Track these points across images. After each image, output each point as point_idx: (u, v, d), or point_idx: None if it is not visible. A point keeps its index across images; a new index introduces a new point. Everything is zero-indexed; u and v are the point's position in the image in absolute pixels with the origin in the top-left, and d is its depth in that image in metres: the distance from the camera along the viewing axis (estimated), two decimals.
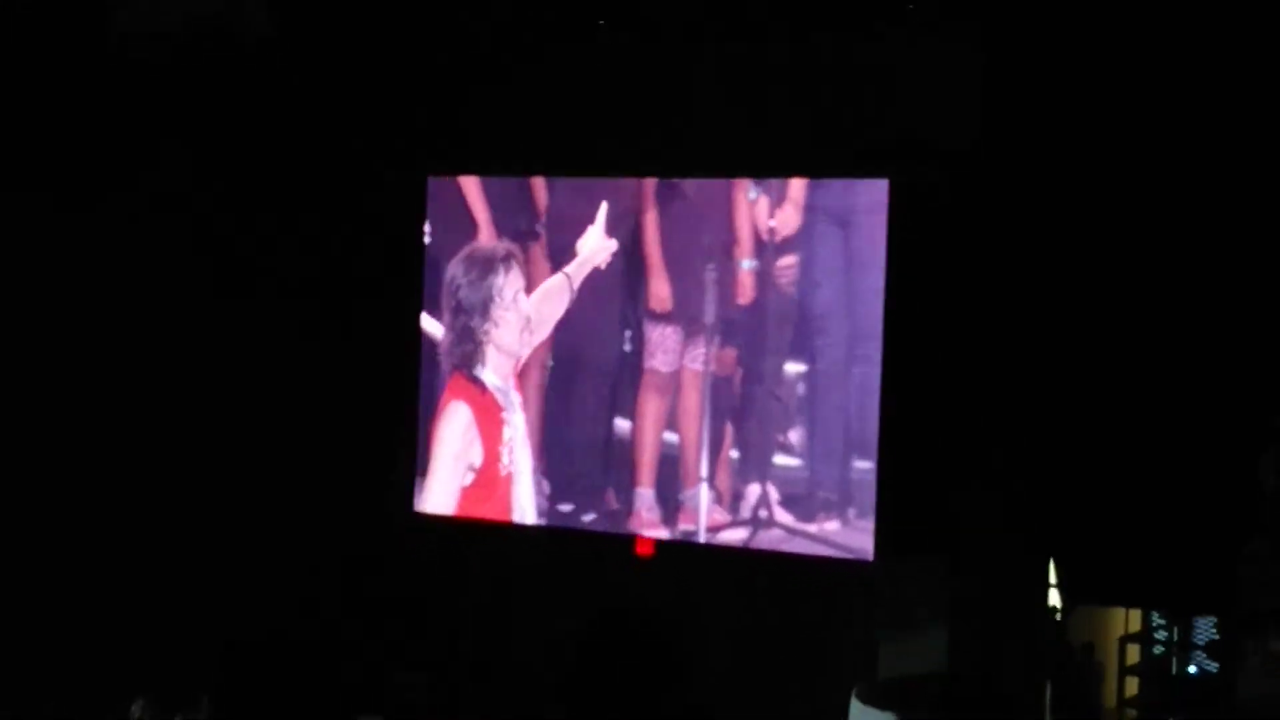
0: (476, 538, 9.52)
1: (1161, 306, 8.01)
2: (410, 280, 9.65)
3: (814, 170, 8.53)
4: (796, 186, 8.50)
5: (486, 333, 9.24)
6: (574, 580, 9.42)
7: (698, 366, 8.70)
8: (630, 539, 8.98)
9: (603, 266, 9.03)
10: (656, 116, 8.98)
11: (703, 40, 8.86)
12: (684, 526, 8.75)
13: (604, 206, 9.00)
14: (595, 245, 9.04)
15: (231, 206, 9.83)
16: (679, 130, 8.91)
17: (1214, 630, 9.51)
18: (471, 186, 9.39)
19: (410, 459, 9.59)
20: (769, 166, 8.61)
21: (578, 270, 9.09)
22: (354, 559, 9.79)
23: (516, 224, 9.23)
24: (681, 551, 8.88)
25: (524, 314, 9.18)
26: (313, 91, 9.74)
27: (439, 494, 9.38)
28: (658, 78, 9.03)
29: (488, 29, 9.25)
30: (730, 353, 8.63)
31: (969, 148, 8.25)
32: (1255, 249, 7.81)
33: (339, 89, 9.75)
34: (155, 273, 9.74)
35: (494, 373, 9.25)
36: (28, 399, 9.56)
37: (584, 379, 9.03)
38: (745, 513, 8.57)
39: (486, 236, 9.31)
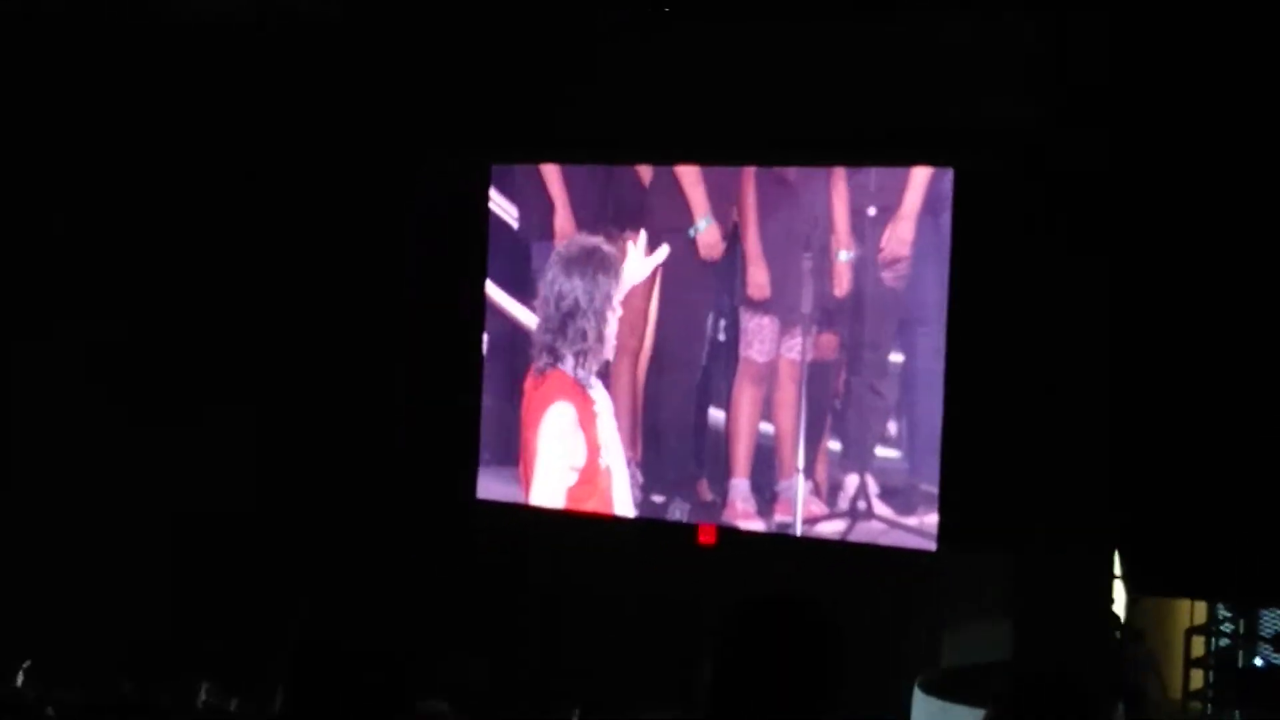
0: (548, 526, 9.45)
1: (1228, 295, 8.02)
2: (476, 269, 9.58)
3: (887, 158, 8.51)
4: (917, 175, 8.40)
5: (593, 332, 9.16)
6: (637, 569, 9.34)
7: (794, 356, 8.65)
8: (693, 528, 8.95)
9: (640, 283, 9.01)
10: (739, 101, 8.87)
11: (772, 21, 8.79)
12: (780, 518, 8.70)
13: (642, 235, 8.97)
14: (635, 269, 9.02)
15: (295, 192, 9.68)
16: (765, 115, 8.82)
17: None
18: (553, 175, 9.32)
19: (475, 446, 9.55)
20: (856, 154, 8.58)
21: (630, 304, 9.09)
22: (422, 546, 9.67)
23: (606, 214, 9.16)
24: (739, 540, 8.83)
25: (621, 314, 9.12)
26: (381, 75, 9.59)
27: (546, 492, 9.31)
28: (736, 62, 8.93)
29: (570, 12, 9.15)
30: (830, 341, 8.58)
31: (1035, 132, 8.21)
32: None
33: (409, 73, 9.60)
34: (218, 258, 9.63)
35: (592, 369, 9.18)
36: (102, 381, 9.45)
37: (678, 369, 8.97)
38: (843, 504, 8.53)
39: (567, 225, 9.23)
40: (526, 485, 9.37)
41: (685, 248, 8.92)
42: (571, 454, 9.21)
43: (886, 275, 8.41)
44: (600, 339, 9.12)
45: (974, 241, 8.32)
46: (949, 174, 8.34)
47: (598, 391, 9.13)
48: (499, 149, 9.60)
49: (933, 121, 8.41)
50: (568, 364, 9.21)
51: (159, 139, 9.56)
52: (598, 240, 9.15)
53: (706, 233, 8.83)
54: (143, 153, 9.56)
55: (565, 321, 9.19)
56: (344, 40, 9.45)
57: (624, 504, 9.09)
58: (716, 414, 8.85)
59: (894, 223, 8.36)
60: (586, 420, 9.15)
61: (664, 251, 9.00)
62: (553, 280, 9.24)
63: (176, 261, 9.65)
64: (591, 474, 9.14)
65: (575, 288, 9.15)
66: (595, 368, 9.15)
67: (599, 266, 9.12)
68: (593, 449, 9.14)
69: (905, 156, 8.45)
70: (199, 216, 9.65)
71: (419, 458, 9.71)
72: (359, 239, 9.71)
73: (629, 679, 9.08)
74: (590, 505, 9.14)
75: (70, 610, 9.42)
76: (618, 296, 9.07)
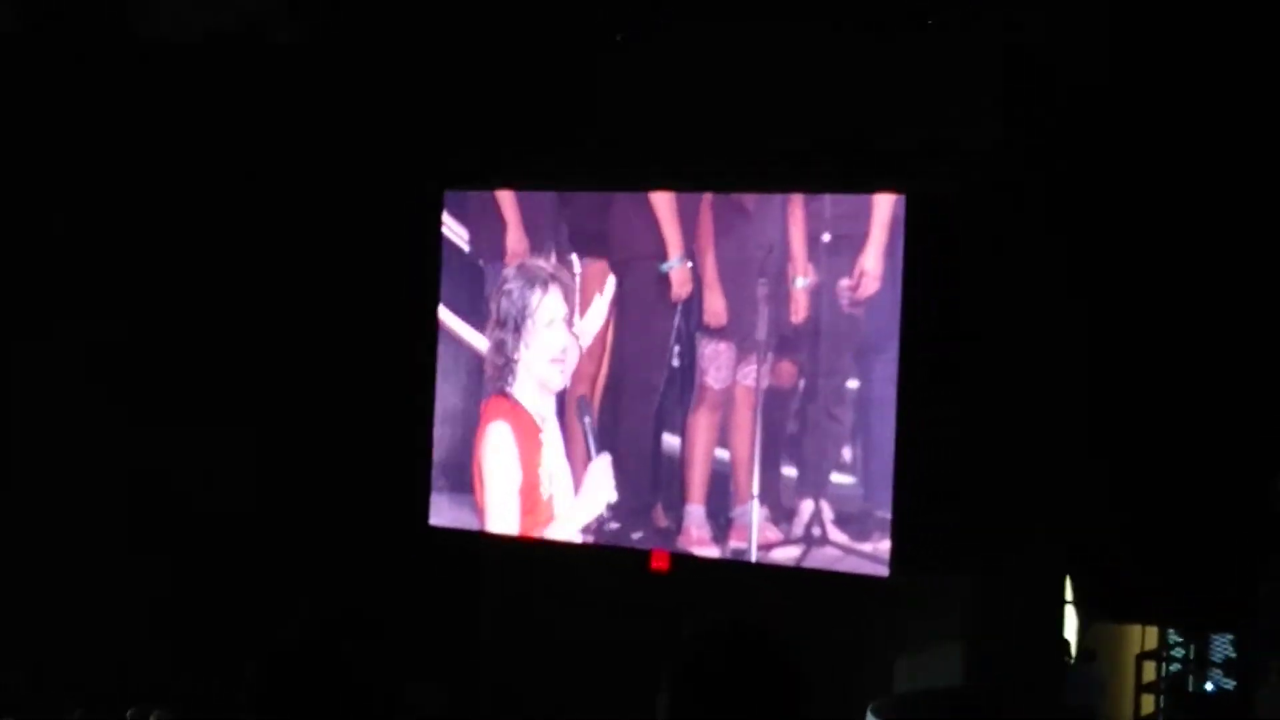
0: (501, 553, 9.42)
1: (1180, 326, 8.07)
2: (429, 295, 9.55)
3: (843, 183, 8.53)
4: (879, 204, 8.40)
5: (518, 350, 9.14)
6: (590, 596, 9.30)
7: (750, 383, 8.63)
8: (645, 554, 8.92)
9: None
10: (695, 125, 8.87)
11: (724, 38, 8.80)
12: (735, 544, 8.67)
13: (611, 281, 9.00)
14: (598, 316, 9.03)
15: (250, 217, 9.63)
16: (721, 140, 8.83)
17: (1231, 648, 9.62)
18: (508, 201, 9.30)
19: (426, 473, 9.49)
20: (813, 178, 8.59)
21: (583, 331, 9.05)
22: (374, 574, 9.59)
23: (560, 236, 9.15)
24: (692, 566, 8.82)
25: (559, 343, 9.07)
26: (336, 100, 9.55)
27: (498, 517, 9.25)
28: (690, 87, 8.92)
29: (523, 39, 9.14)
30: (787, 368, 8.57)
31: (988, 154, 8.25)
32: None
33: (363, 98, 9.56)
34: (175, 282, 9.59)
35: (529, 393, 9.15)
36: (64, 408, 9.41)
37: (635, 396, 8.93)
38: (798, 531, 8.50)
39: (518, 246, 9.23)
40: (481, 512, 9.33)
41: (651, 278, 8.90)
42: (509, 475, 9.17)
43: (844, 302, 8.40)
44: (535, 368, 9.11)
45: (928, 266, 8.33)
46: (901, 199, 8.34)
47: (548, 422, 9.10)
48: (453, 175, 9.57)
49: (886, 143, 8.45)
50: (515, 387, 9.18)
51: (132, 149, 9.52)
52: (547, 263, 9.13)
53: (680, 271, 8.81)
54: (121, 162, 9.53)
55: (513, 345, 9.16)
56: (304, 66, 9.42)
57: (572, 530, 9.06)
58: (672, 440, 8.81)
59: (862, 254, 8.34)
60: (525, 441, 9.12)
61: (612, 286, 8.97)
62: (501, 303, 9.22)
63: (153, 267, 9.59)
64: (532, 503, 9.11)
65: (523, 311, 9.13)
66: (538, 394, 9.13)
67: (548, 289, 9.09)
68: (530, 471, 9.10)
69: (861, 181, 8.44)
70: (170, 224, 9.61)
71: (375, 485, 9.65)
72: (313, 262, 9.67)
73: (586, 705, 9.05)
74: (536, 529, 9.11)
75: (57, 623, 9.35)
76: (574, 326, 9.04)
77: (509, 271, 9.22)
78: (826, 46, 8.57)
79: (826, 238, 8.46)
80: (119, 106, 9.44)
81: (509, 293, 9.17)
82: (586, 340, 9.01)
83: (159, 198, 9.60)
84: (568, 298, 9.06)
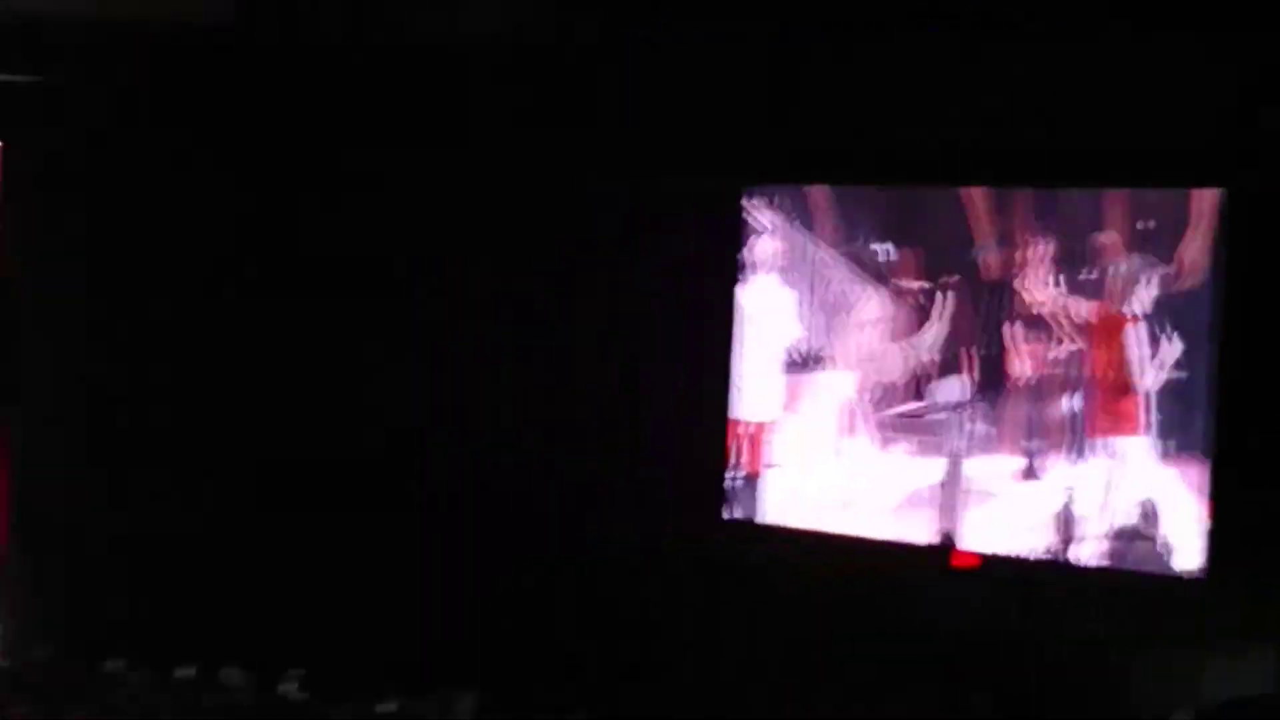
0: (797, 548, 9.44)
1: None
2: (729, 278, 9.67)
3: (1161, 178, 8.42)
4: (1199, 197, 8.29)
5: (829, 342, 9.25)
6: (894, 593, 9.24)
7: (1060, 373, 8.56)
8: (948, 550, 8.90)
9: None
10: (1010, 120, 8.82)
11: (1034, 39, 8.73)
12: (1045, 541, 8.61)
13: (946, 298, 8.97)
14: (931, 342, 9.00)
15: (554, 224, 9.92)
16: (1035, 134, 8.76)
17: None
18: (818, 194, 9.37)
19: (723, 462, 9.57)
20: (1130, 174, 8.51)
21: (920, 345, 9.04)
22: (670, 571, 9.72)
23: (875, 226, 9.19)
24: (1003, 564, 8.74)
25: (872, 340, 9.13)
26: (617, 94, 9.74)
27: (795, 507, 9.38)
28: (1006, 81, 8.89)
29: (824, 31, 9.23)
30: (1099, 359, 8.47)
31: None
32: None
33: (648, 89, 9.71)
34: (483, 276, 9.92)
35: (836, 384, 9.24)
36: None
37: (939, 385, 8.92)
38: (1108, 528, 8.41)
39: (831, 235, 9.31)
40: (776, 504, 9.43)
41: (961, 267, 8.90)
42: (808, 465, 9.25)
43: (1161, 294, 8.30)
44: (860, 361, 9.17)
45: (1250, 261, 8.18)
46: (1223, 194, 8.21)
47: (852, 413, 9.16)
48: (754, 170, 9.68)
49: (1205, 139, 8.32)
50: (821, 376, 9.26)
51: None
52: (867, 259, 9.18)
53: (990, 258, 8.80)
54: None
55: (825, 335, 9.28)
56: (562, 64, 9.66)
57: (867, 527, 9.11)
58: (979, 430, 8.78)
59: (1180, 247, 8.26)
60: (828, 431, 9.21)
61: (950, 303, 8.96)
62: (818, 292, 9.32)
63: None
64: (833, 496, 9.19)
65: (840, 304, 9.22)
66: (853, 386, 9.19)
67: (868, 287, 9.15)
68: (830, 461, 9.20)
69: (1179, 177, 8.32)
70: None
71: (671, 477, 9.79)
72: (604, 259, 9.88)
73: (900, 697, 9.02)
74: (837, 526, 9.18)
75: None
76: (907, 338, 9.09)
77: (826, 258, 9.28)
78: (1147, 50, 8.50)
79: (1144, 228, 8.35)
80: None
81: (828, 283, 9.25)
82: (922, 355, 9.03)
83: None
84: (889, 298, 9.10)
